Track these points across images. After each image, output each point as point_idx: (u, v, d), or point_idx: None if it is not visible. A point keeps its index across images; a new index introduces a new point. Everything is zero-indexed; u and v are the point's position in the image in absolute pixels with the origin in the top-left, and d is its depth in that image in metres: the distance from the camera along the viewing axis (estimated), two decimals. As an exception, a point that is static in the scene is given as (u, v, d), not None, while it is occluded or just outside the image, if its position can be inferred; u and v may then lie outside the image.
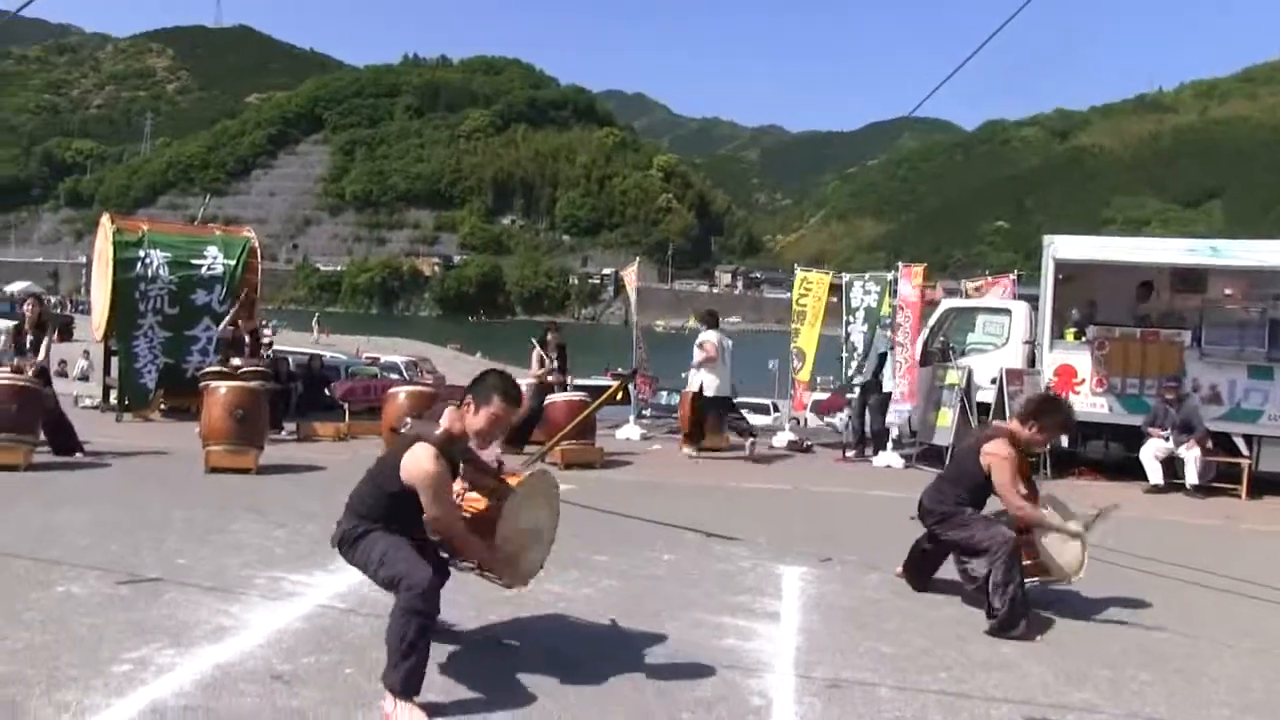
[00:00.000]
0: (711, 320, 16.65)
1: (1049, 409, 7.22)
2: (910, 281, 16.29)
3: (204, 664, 5.13)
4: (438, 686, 4.96)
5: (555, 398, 14.75)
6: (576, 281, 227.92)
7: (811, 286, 18.58)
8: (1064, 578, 7.02)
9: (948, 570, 7.41)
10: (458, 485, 5.29)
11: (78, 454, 12.57)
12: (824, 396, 24.54)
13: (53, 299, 79.83)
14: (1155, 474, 13.90)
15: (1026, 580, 6.72)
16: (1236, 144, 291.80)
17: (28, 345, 13.06)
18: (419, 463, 4.92)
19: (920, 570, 7.58)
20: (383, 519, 5.05)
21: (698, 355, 15.57)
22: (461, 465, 5.28)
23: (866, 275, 17.42)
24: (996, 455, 6.92)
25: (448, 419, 5.09)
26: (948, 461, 10.48)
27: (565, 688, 5.10)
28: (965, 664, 5.73)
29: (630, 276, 20.00)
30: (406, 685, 4.69)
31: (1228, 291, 15.31)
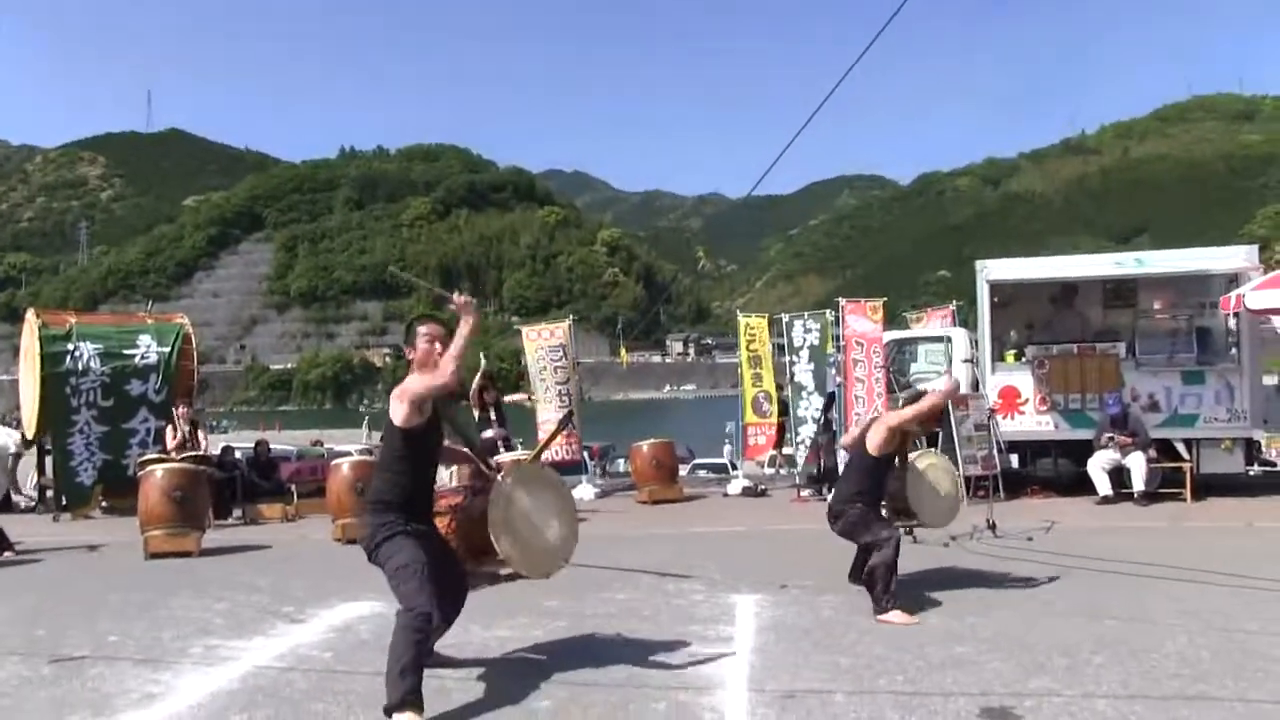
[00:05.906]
0: None
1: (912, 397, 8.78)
2: (869, 316, 16.08)
3: (126, 731, 4.87)
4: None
5: (502, 457, 14.50)
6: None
7: (756, 332, 18.75)
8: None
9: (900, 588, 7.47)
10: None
11: (6, 553, 11.94)
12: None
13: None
14: (1104, 485, 13.94)
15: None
16: (1157, 181, 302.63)
17: None
18: (399, 386, 5.46)
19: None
20: (396, 482, 5.43)
21: None
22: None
23: (806, 314, 17.35)
24: (878, 423, 8.05)
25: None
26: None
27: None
28: (922, 666, 5.60)
29: (536, 333, 20.08)
30: (403, 700, 4.86)
31: (1157, 304, 15.62)
